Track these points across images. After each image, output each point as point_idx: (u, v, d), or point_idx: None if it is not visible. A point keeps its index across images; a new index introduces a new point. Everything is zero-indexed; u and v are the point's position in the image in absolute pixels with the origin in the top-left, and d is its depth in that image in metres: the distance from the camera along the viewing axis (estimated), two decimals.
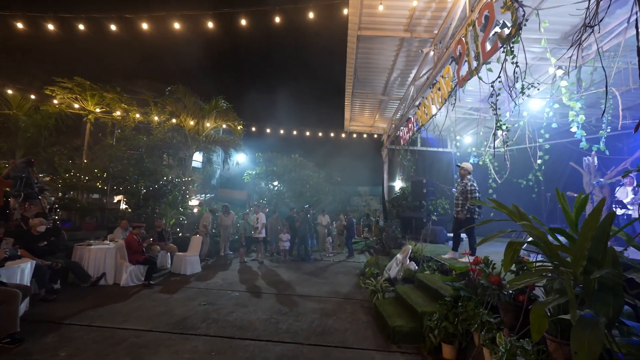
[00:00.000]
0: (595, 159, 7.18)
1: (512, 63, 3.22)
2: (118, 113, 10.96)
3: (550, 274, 1.44)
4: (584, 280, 1.31)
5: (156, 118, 10.94)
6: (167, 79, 12.72)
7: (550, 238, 1.55)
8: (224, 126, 12.04)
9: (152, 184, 10.04)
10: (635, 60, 5.62)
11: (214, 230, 10.76)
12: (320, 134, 13.55)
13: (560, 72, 4.69)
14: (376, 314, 4.60)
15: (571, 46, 3.09)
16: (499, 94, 3.56)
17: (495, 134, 3.87)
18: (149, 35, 7.61)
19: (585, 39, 5.87)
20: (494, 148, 4.97)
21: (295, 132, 13.74)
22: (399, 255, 6.05)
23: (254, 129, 14.72)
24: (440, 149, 11.72)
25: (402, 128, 9.04)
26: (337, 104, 10.69)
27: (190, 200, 12.47)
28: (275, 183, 16.04)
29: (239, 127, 12.04)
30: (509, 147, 6.74)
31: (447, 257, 5.19)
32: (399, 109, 9.41)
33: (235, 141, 12.29)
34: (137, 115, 11.26)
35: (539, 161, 6.36)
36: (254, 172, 14.84)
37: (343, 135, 12.95)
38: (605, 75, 2.90)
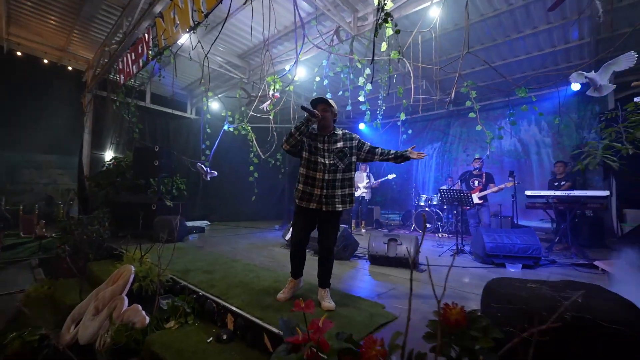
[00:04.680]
0: None
1: None
2: None
3: None
4: None
5: None
6: None
7: None
8: None
9: None
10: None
11: None
12: None
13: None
14: None
15: None
16: None
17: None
18: None
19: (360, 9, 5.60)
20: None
21: None
22: (105, 289, 2.92)
23: None
24: (180, 113, 8.96)
25: (125, 55, 5.40)
26: None
27: None
28: None
29: None
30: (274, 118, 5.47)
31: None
32: (120, 25, 5.58)
33: None
34: None
35: None
36: None
37: None
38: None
